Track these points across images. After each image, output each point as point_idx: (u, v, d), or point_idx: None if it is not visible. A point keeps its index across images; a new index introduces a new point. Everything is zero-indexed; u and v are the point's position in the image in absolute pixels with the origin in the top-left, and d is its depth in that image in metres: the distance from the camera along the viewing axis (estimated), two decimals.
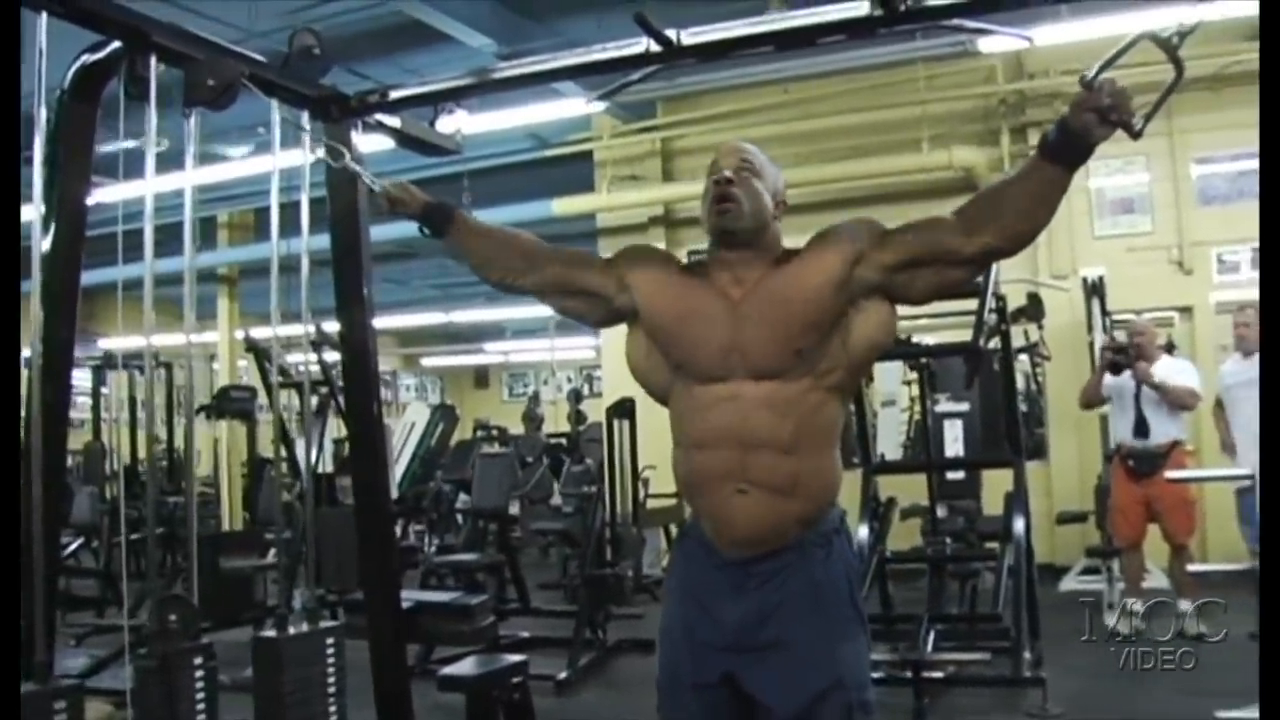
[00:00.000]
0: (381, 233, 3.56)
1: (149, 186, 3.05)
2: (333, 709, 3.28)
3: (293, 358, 8.88)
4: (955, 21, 3.12)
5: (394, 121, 3.64)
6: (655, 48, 3.15)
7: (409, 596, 4.03)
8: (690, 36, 3.16)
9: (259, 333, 8.56)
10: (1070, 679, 5.39)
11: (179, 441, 10.54)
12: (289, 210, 3.50)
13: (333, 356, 7.00)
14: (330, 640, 3.32)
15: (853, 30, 3.08)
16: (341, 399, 6.06)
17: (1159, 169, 8.93)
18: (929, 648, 5.24)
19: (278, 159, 3.39)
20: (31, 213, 2.80)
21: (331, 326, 4.87)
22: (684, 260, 2.60)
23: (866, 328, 2.35)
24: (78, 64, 2.97)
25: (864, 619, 2.42)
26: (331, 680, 3.30)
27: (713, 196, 2.39)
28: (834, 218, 8.10)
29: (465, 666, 4.05)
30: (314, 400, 7.49)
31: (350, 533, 4.69)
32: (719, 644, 2.35)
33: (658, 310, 2.45)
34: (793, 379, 2.31)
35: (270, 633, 3.28)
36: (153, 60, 2.92)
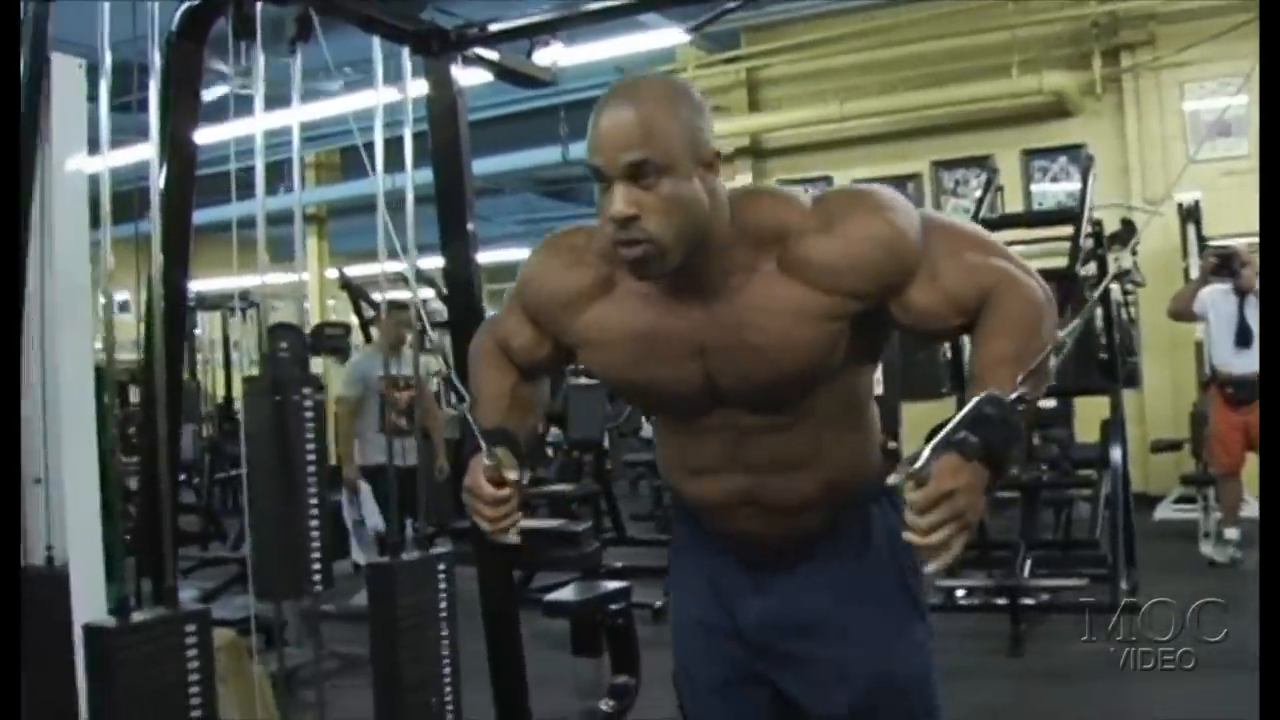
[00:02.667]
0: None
1: (258, 124, 3.13)
2: (445, 634, 3.37)
3: (378, 295, 8.99)
4: None
5: (492, 55, 3.68)
6: None
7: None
8: None
9: (352, 271, 8.70)
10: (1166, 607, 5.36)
11: None
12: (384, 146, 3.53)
13: (424, 293, 7.10)
14: (441, 566, 3.40)
15: None
16: (431, 334, 6.14)
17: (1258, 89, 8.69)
18: (1026, 574, 5.25)
19: (380, 95, 3.44)
20: (147, 153, 2.87)
21: (425, 263, 4.94)
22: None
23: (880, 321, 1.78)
24: (185, 5, 3.05)
25: (920, 603, 1.97)
26: (444, 606, 3.38)
27: (610, 236, 1.67)
28: (924, 145, 8.03)
29: (569, 593, 4.14)
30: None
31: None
32: (742, 647, 1.97)
33: (603, 361, 1.89)
34: (798, 401, 1.80)
35: (384, 559, 3.38)
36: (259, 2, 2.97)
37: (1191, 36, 8.63)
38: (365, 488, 6.27)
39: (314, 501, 3.08)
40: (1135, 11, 9.03)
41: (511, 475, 1.80)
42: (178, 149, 2.99)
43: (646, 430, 9.66)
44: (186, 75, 3.06)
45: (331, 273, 11.33)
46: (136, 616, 2.59)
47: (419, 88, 3.55)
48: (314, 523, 3.08)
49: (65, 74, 2.73)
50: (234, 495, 8.28)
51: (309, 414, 3.07)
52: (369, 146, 3.46)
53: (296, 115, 3.25)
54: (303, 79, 3.19)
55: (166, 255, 2.89)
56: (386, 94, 3.50)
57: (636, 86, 1.70)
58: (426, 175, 3.59)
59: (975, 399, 1.53)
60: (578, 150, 9.34)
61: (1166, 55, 8.90)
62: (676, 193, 1.63)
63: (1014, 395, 1.54)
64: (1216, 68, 8.69)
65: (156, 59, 2.85)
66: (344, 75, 3.17)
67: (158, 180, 2.87)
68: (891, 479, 1.51)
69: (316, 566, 3.09)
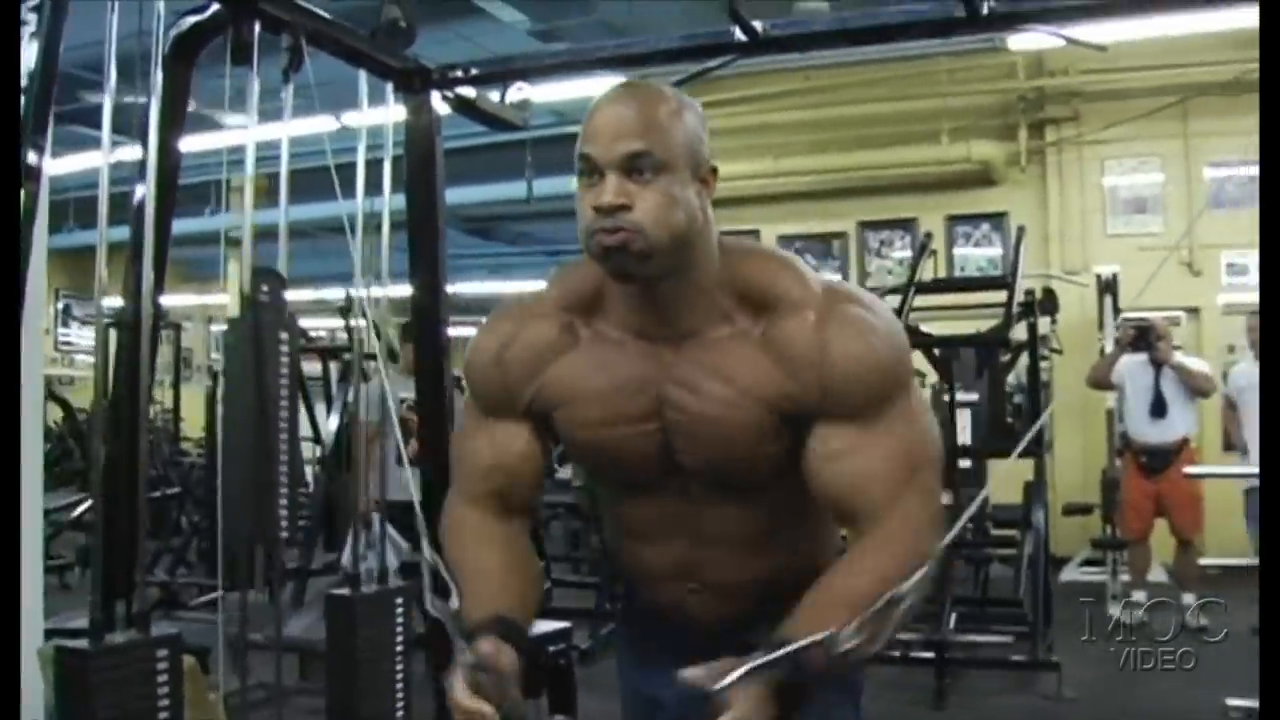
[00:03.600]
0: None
1: (250, 140, 3.18)
2: (399, 668, 3.37)
3: (305, 322, 8.90)
4: (1032, 26, 3.22)
5: (470, 94, 3.73)
6: (741, 37, 3.24)
7: None
8: (776, 29, 3.25)
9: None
10: (1081, 665, 5.51)
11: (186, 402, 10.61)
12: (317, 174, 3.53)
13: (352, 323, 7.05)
14: (400, 600, 3.40)
15: (935, 32, 3.19)
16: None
17: (1173, 170, 9.06)
18: (950, 629, 5.38)
19: (365, 121, 3.47)
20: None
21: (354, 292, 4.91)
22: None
23: None
24: (177, 28, 3.06)
25: (853, 684, 1.81)
26: (399, 640, 3.38)
27: (588, 227, 1.53)
28: (852, 205, 8.19)
29: None
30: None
31: None
32: None
33: (576, 420, 1.70)
34: (751, 481, 1.68)
35: (344, 591, 3.38)
36: (257, 27, 2.99)
37: (1113, 116, 8.96)
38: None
39: (285, 449, 3.01)
40: (1061, 89, 9.32)
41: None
42: (162, 163, 3.00)
43: (563, 473, 9.66)
44: (175, 95, 3.07)
45: None
46: (110, 639, 2.58)
47: (376, 115, 3.57)
48: (284, 469, 2.99)
49: None
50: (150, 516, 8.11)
51: (285, 359, 3.04)
52: (339, 169, 3.49)
53: (286, 130, 3.26)
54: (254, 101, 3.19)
55: (143, 268, 2.90)
56: (353, 119, 3.55)
57: (642, 86, 1.61)
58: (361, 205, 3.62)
59: (811, 639, 1.41)
60: (540, 187, 9.38)
61: (1089, 132, 9.21)
62: (671, 191, 1.51)
63: (846, 647, 1.43)
64: (1136, 147, 9.04)
65: (157, 78, 2.88)
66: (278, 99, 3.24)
67: (151, 193, 2.88)
68: (691, 676, 1.43)
69: (284, 514, 3.00)
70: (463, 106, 3.71)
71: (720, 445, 1.61)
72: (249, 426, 2.92)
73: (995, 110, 9.60)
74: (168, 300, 11.57)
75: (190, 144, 3.83)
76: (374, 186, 3.51)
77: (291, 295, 3.11)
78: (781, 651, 1.40)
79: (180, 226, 3.32)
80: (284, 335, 3.04)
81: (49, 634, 2.88)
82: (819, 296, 1.59)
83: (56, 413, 11.87)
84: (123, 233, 2.92)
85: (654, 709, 1.85)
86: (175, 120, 3.08)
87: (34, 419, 2.96)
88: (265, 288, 3.03)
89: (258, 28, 2.97)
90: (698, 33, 3.34)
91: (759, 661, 1.40)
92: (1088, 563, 8.08)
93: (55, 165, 3.23)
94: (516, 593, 1.67)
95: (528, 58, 3.66)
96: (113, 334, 2.97)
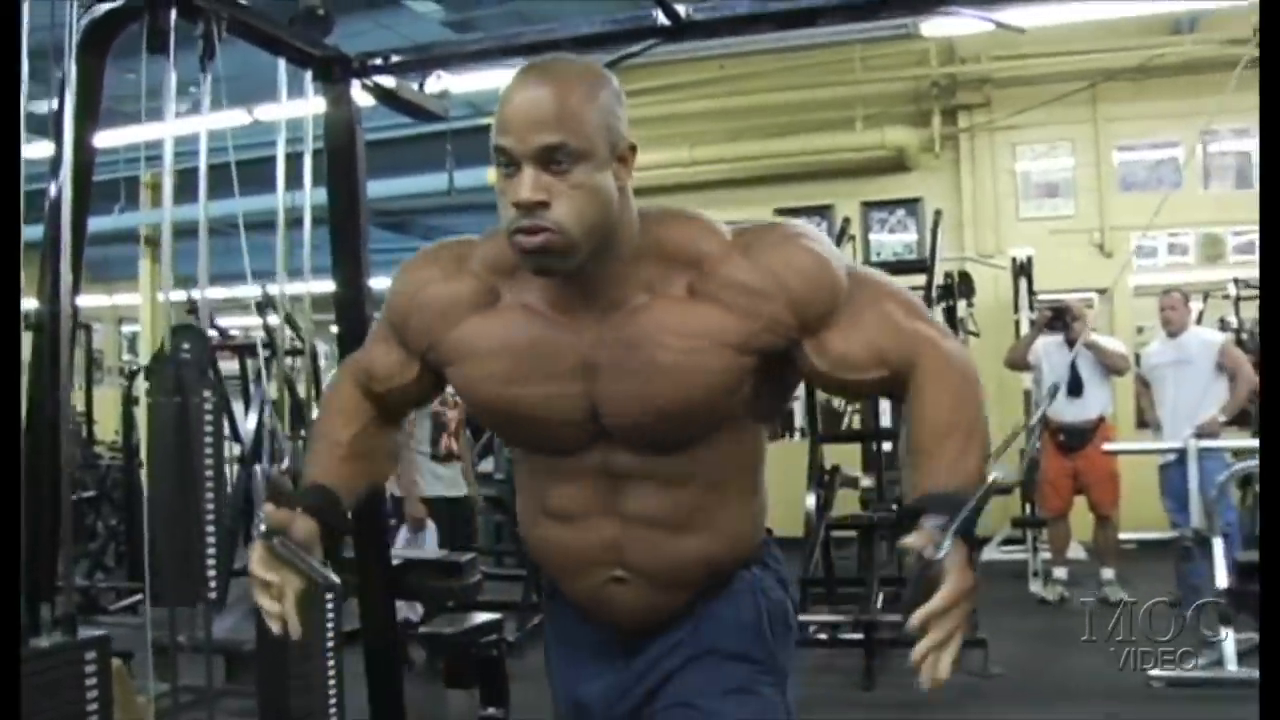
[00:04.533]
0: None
1: (168, 133, 3.14)
2: (331, 664, 3.34)
3: (222, 320, 8.78)
4: (955, 8, 3.26)
5: (390, 84, 3.69)
6: (664, 22, 3.23)
7: (397, 554, 4.08)
8: (699, 13, 3.25)
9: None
10: (1006, 642, 5.59)
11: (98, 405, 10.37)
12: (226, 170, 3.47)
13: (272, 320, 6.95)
14: (330, 597, 3.37)
15: (860, 15, 3.21)
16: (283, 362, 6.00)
17: (1083, 155, 9.24)
18: (878, 609, 5.42)
19: (284, 113, 3.42)
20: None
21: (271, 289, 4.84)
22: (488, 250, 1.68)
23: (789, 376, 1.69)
24: (90, 15, 2.98)
25: (780, 666, 1.72)
26: (330, 636, 3.34)
27: (509, 225, 1.51)
28: (768, 193, 8.23)
29: (444, 624, 4.12)
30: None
31: None
32: None
33: (475, 377, 1.67)
34: (686, 446, 1.63)
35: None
36: (173, 15, 2.93)
37: (1024, 102, 9.13)
38: (431, 525, 5.73)
39: (211, 506, 3.02)
40: (972, 75, 9.47)
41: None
42: (78, 159, 2.93)
43: (485, 465, 9.62)
44: (88, 86, 3.00)
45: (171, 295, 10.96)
46: (37, 643, 2.52)
47: (295, 108, 3.53)
48: (210, 528, 3.01)
49: None
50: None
51: (209, 416, 3.02)
52: (251, 164, 3.43)
53: (205, 123, 3.20)
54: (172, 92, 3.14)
55: (62, 266, 2.83)
56: (271, 111, 3.50)
57: (555, 67, 1.56)
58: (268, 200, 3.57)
59: (984, 487, 1.48)
60: (417, 184, 9.36)
61: (1001, 118, 9.36)
62: (589, 182, 1.49)
63: (992, 478, 1.51)
64: (1046, 132, 9.23)
65: (71, 70, 2.81)
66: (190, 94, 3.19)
67: (67, 191, 2.81)
68: (916, 542, 1.44)
69: (212, 573, 3.02)
70: (383, 96, 3.66)
71: (665, 397, 1.57)
72: (175, 491, 2.94)
73: (908, 97, 9.72)
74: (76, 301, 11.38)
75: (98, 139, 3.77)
76: (290, 181, 3.46)
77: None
78: (974, 501, 1.45)
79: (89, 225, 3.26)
80: (206, 393, 3.04)
81: None
82: (733, 241, 1.60)
83: None
84: (35, 232, 2.84)
85: (581, 713, 1.80)
86: (90, 113, 3.00)
87: None
88: (186, 345, 3.00)
89: (174, 15, 2.91)
90: (621, 17, 3.33)
91: (959, 522, 1.43)
92: (1007, 541, 8.20)
93: None
94: (356, 470, 1.78)
95: (449, 45, 3.62)
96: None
